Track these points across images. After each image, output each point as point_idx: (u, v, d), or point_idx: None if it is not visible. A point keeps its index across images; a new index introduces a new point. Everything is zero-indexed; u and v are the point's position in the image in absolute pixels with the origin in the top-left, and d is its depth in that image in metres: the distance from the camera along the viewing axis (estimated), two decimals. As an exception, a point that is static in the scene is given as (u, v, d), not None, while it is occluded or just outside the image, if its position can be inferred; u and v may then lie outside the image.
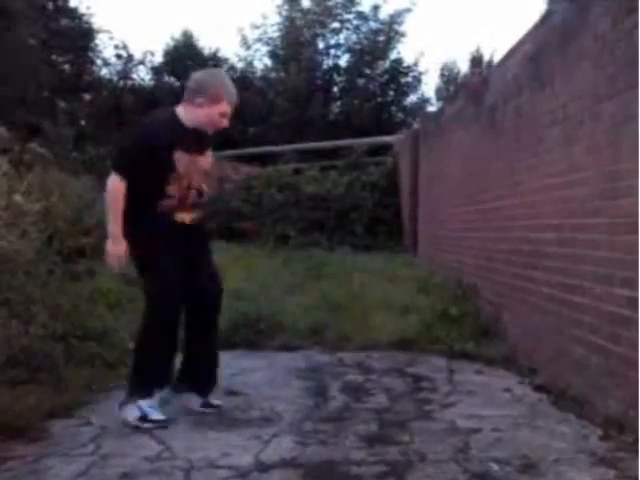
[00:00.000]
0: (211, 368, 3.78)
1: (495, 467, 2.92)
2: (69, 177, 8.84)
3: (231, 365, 4.68)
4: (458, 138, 7.33)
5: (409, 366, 4.79)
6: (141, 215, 3.51)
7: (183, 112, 3.59)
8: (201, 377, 3.76)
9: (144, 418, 3.43)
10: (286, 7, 20.39)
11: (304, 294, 6.86)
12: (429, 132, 9.63)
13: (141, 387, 3.51)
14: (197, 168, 3.61)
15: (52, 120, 11.87)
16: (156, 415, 3.46)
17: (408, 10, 20.13)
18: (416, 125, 11.41)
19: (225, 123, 3.62)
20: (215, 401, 3.76)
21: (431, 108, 19.84)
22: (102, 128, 17.59)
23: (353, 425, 3.48)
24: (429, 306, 6.03)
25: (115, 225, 3.48)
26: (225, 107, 3.57)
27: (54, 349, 4.30)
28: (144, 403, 3.47)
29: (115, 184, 3.47)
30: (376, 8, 20.07)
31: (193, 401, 3.72)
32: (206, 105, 3.54)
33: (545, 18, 4.61)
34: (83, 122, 18.03)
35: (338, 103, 20.46)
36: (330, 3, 20.09)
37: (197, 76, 3.65)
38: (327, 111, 19.77)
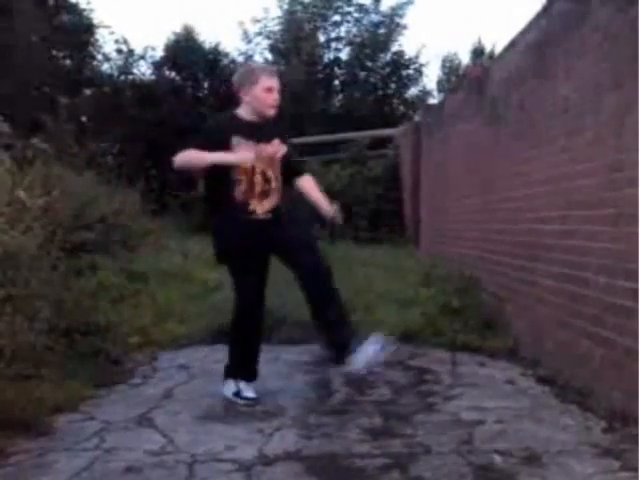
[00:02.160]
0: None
1: (498, 459, 2.93)
2: (71, 172, 8.84)
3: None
4: (460, 130, 7.31)
5: (412, 359, 4.80)
6: (221, 216, 3.72)
7: (240, 110, 3.76)
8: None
9: (238, 394, 3.76)
10: (287, 0, 20.33)
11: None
12: (431, 124, 9.60)
13: (232, 369, 3.85)
14: (261, 154, 3.67)
15: (53, 116, 11.83)
16: (248, 392, 3.78)
17: (409, 2, 20.06)
18: (417, 117, 11.37)
19: (274, 97, 3.72)
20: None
21: (433, 100, 19.75)
22: (103, 123, 17.57)
23: (357, 418, 3.49)
24: (432, 299, 6.03)
25: (209, 158, 3.56)
26: (265, 82, 3.69)
27: (58, 344, 4.31)
28: (242, 383, 3.81)
29: (178, 155, 3.61)
30: (377, 1, 20.00)
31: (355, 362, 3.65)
32: (249, 91, 3.69)
33: (547, 8, 4.59)
34: (84, 117, 18.01)
35: (339, 96, 20.39)
36: (331, -4, 20.04)
37: (233, 77, 3.85)
38: (328, 104, 19.69)
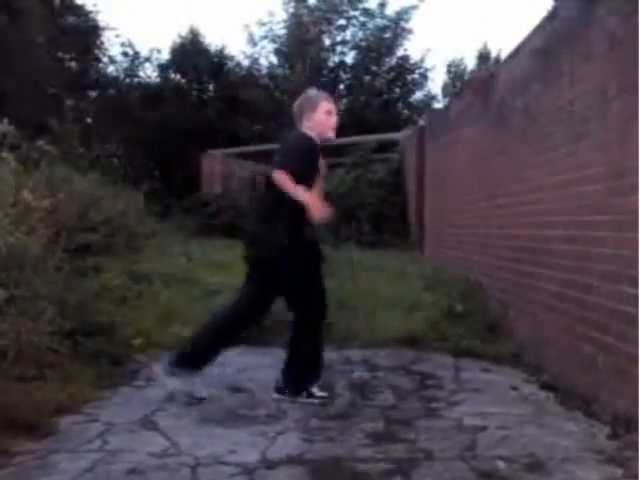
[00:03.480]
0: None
1: (502, 465, 2.92)
2: (75, 174, 8.86)
3: (237, 362, 4.69)
4: (465, 135, 7.31)
5: (415, 364, 4.79)
6: (298, 221, 3.78)
7: (311, 134, 3.92)
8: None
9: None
10: (292, 4, 20.37)
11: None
12: (436, 129, 9.60)
13: (194, 362, 3.84)
14: (322, 170, 4.02)
15: (58, 117, 11.87)
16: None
17: (415, 7, 20.10)
18: (422, 122, 11.37)
19: (335, 119, 3.98)
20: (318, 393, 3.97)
21: (438, 105, 19.82)
22: (108, 125, 17.61)
23: (359, 422, 3.48)
24: (435, 303, 6.02)
25: (298, 190, 3.67)
26: (326, 106, 3.95)
27: (61, 345, 4.31)
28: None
29: (280, 175, 3.70)
30: (382, 5, 20.02)
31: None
32: (312, 116, 3.93)
33: (553, 14, 4.59)
34: (89, 119, 18.05)
35: (344, 100, 20.43)
36: (336, 0, 20.06)
37: (294, 105, 4.06)
38: (333, 108, 19.75)
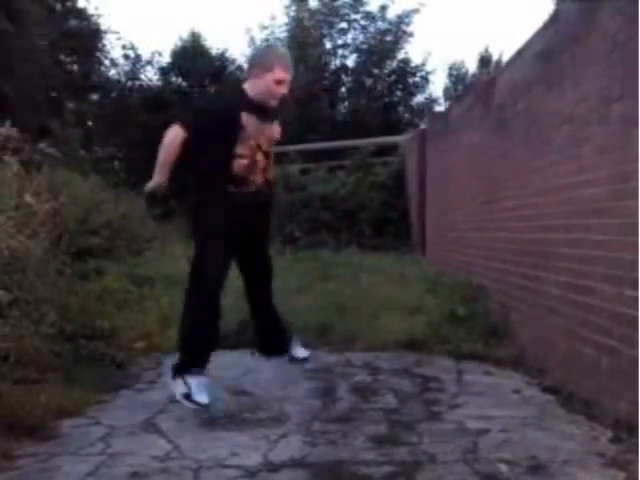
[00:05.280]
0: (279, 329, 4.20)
1: (504, 468, 2.92)
2: (77, 177, 8.88)
3: (239, 365, 4.69)
4: (466, 138, 7.31)
5: (417, 367, 4.79)
6: (213, 182, 3.72)
7: (247, 86, 3.83)
8: (275, 340, 4.22)
9: (188, 396, 3.54)
10: (294, 8, 20.39)
11: (312, 294, 6.86)
12: (437, 132, 9.61)
13: (182, 364, 3.68)
14: (265, 133, 3.82)
15: (60, 120, 11.90)
16: (199, 397, 3.53)
17: (416, 10, 20.10)
18: (423, 125, 11.37)
19: (282, 90, 3.80)
20: (299, 353, 4.16)
21: (439, 108, 19.78)
22: (110, 128, 17.63)
23: (362, 425, 3.48)
24: (437, 306, 6.02)
25: (164, 164, 3.69)
26: (278, 74, 3.76)
27: (63, 348, 4.32)
28: (193, 381, 3.57)
29: (174, 132, 3.65)
30: (384, 8, 20.02)
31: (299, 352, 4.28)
32: (261, 75, 3.76)
33: (554, 18, 4.59)
34: (91, 122, 18.07)
35: (345, 103, 20.43)
36: (338, 3, 20.07)
37: (252, 52, 3.94)
38: (334, 111, 19.74)
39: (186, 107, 3.96)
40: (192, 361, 3.66)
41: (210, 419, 3.56)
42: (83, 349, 4.49)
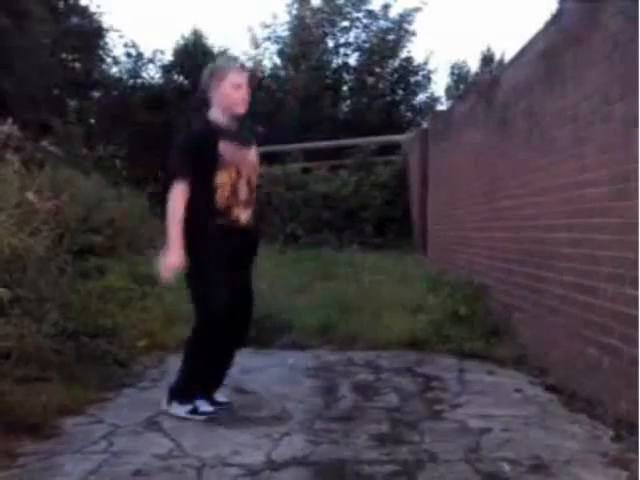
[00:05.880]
0: (225, 371, 3.82)
1: (506, 467, 2.92)
2: (79, 175, 8.88)
3: (241, 364, 4.66)
4: (468, 137, 7.31)
5: (419, 366, 4.79)
6: (197, 216, 3.47)
7: (212, 112, 3.62)
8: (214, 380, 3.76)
9: (195, 411, 3.54)
10: (296, 6, 20.37)
11: (314, 293, 6.87)
12: (439, 131, 9.60)
13: (184, 394, 3.60)
14: (244, 159, 3.59)
15: (62, 118, 11.90)
16: (205, 407, 3.55)
17: (418, 9, 20.07)
18: (425, 124, 11.36)
19: (242, 93, 3.58)
20: (221, 398, 3.77)
21: (441, 107, 19.75)
22: (111, 126, 17.63)
23: (364, 424, 3.48)
24: (439, 306, 6.02)
25: (175, 234, 3.45)
26: (233, 78, 3.57)
27: (65, 347, 4.31)
28: (198, 402, 3.58)
29: (178, 193, 3.46)
30: (386, 7, 19.99)
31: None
32: (218, 86, 3.56)
33: (556, 17, 4.59)
34: (93, 120, 18.08)
35: (347, 102, 20.41)
36: (340, 2, 20.05)
37: (202, 79, 3.72)
38: (336, 110, 19.72)
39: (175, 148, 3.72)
40: (202, 390, 3.64)
41: (212, 418, 3.56)
42: (85, 347, 4.48)
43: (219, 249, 3.50)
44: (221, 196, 3.51)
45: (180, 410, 3.57)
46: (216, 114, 3.61)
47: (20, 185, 5.34)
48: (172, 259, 3.45)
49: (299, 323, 5.62)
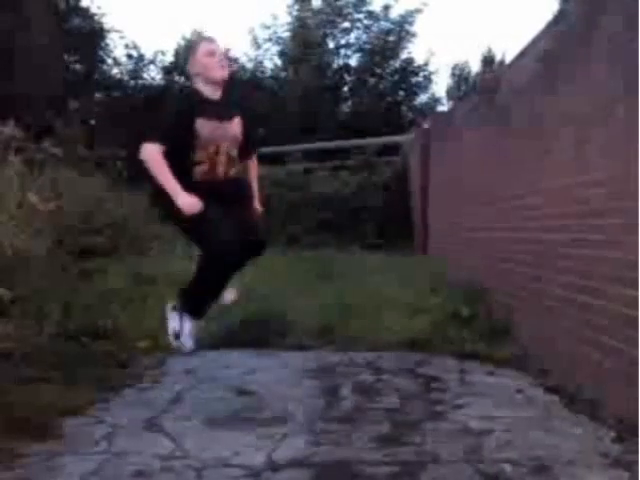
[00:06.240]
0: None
1: (508, 468, 2.91)
2: (80, 176, 8.88)
3: (242, 364, 4.70)
4: (469, 138, 7.31)
5: (420, 366, 4.78)
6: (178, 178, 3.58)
7: (196, 83, 3.80)
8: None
9: (177, 336, 3.75)
10: (296, 7, 20.38)
11: (315, 294, 6.85)
12: (440, 132, 9.60)
13: (185, 306, 3.83)
14: (225, 134, 3.72)
15: (63, 120, 11.89)
16: (185, 340, 3.73)
17: (419, 10, 20.08)
18: (426, 125, 11.36)
19: (216, 60, 3.75)
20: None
21: (442, 108, 19.78)
22: (112, 127, 17.63)
23: (365, 425, 3.48)
24: (440, 306, 6.01)
25: (170, 183, 3.53)
26: (204, 46, 3.78)
27: (66, 347, 4.32)
28: (187, 325, 3.75)
29: (150, 151, 3.56)
30: (387, 8, 20.00)
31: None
32: (194, 58, 3.79)
33: (558, 17, 4.59)
34: (94, 122, 18.07)
35: (348, 103, 20.43)
36: (341, 3, 20.06)
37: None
38: (337, 111, 19.74)
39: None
40: (193, 310, 3.82)
41: (214, 418, 3.56)
42: (86, 348, 4.50)
43: (203, 196, 3.58)
44: (199, 171, 3.67)
45: (172, 322, 3.82)
46: (198, 84, 3.78)
47: (21, 186, 5.36)
48: (183, 200, 3.52)
49: (300, 324, 5.62)
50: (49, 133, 9.79)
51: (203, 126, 3.63)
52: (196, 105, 3.67)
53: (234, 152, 3.78)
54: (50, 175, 6.95)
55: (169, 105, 3.88)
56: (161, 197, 3.62)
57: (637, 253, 3.24)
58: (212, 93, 3.75)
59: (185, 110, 3.65)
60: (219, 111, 3.71)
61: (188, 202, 3.51)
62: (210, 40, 3.87)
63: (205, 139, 3.63)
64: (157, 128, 3.69)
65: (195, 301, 3.85)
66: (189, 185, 3.57)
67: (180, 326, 3.74)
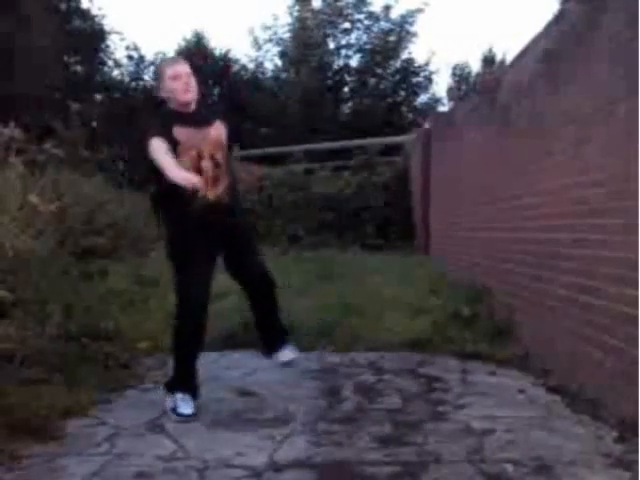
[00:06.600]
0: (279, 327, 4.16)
1: (510, 468, 2.92)
2: (81, 177, 8.89)
3: (243, 365, 4.70)
4: (470, 138, 7.31)
5: (422, 367, 4.78)
6: (170, 207, 3.70)
7: (170, 105, 3.81)
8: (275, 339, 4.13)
9: (174, 410, 3.61)
10: (297, 8, 20.40)
11: (316, 294, 6.86)
12: (441, 132, 9.60)
13: (172, 382, 3.77)
14: (205, 138, 3.71)
15: (64, 121, 11.90)
16: (183, 409, 3.61)
17: (420, 10, 20.09)
18: (427, 125, 11.36)
19: (180, 83, 3.72)
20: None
21: (442, 108, 19.78)
22: (114, 129, 17.64)
23: (367, 426, 3.48)
24: (441, 306, 6.01)
25: (175, 171, 3.50)
26: (169, 72, 3.76)
27: (68, 349, 4.32)
28: (179, 396, 3.66)
29: (155, 143, 3.57)
30: (387, 8, 20.03)
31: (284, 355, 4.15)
32: (162, 84, 3.79)
33: (559, 17, 4.58)
34: (95, 123, 18.09)
35: (349, 103, 20.44)
36: (341, 3, 20.08)
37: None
38: (338, 111, 19.76)
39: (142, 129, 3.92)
40: (180, 380, 3.76)
41: (215, 419, 3.56)
42: (88, 349, 4.49)
43: (195, 239, 3.66)
44: (190, 195, 3.58)
45: (167, 402, 3.70)
46: (171, 104, 3.80)
47: (23, 187, 5.36)
48: (178, 174, 3.49)
49: (301, 324, 5.61)
50: (50, 134, 9.79)
51: (180, 132, 3.64)
52: (172, 117, 3.72)
53: (219, 156, 3.72)
54: (52, 176, 6.95)
55: (147, 119, 3.95)
56: (167, 239, 3.82)
57: (637, 253, 3.24)
58: (185, 109, 3.76)
59: (162, 121, 3.71)
60: (196, 119, 3.73)
61: (182, 176, 3.48)
62: (174, 62, 3.92)
63: (184, 144, 3.63)
64: (151, 126, 3.73)
65: (180, 366, 3.79)
66: (183, 215, 3.61)
67: (174, 403, 3.65)
